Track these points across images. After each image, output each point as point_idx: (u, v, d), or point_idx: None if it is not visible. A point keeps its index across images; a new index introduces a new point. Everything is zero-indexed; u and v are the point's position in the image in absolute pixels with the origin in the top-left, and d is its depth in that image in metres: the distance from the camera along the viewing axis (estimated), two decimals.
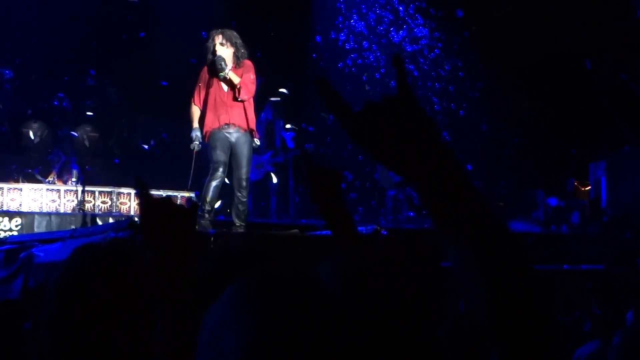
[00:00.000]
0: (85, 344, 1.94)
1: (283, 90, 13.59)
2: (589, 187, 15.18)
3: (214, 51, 8.81)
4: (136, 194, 1.79)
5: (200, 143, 9.00)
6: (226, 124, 8.79)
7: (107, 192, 11.53)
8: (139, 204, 1.76)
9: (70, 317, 1.99)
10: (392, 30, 16.55)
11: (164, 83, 10.26)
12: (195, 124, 9.04)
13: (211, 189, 8.68)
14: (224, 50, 8.81)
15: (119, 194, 11.54)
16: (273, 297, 0.91)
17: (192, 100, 9.08)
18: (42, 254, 8.19)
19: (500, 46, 16.34)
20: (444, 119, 15.17)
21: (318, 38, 16.06)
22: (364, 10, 16.47)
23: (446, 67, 16.46)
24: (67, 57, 14.32)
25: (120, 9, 14.71)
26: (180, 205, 1.78)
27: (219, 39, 8.84)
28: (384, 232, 8.11)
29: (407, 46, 16.59)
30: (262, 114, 12.89)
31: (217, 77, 8.79)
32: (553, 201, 15.22)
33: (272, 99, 13.32)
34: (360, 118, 1.14)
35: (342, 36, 16.31)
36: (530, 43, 16.34)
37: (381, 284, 0.95)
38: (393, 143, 1.13)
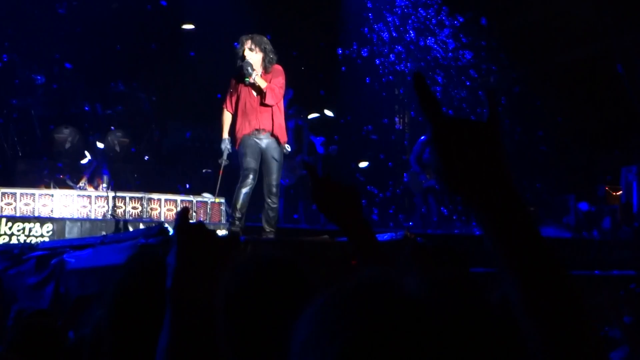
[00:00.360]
0: (147, 347, 1.97)
1: (329, 112, 13.61)
2: (621, 191, 15.07)
3: (243, 56, 8.78)
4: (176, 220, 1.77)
5: (229, 153, 9.02)
6: (256, 130, 8.76)
7: (138, 197, 11.54)
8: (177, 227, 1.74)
9: (130, 320, 2.03)
10: (421, 38, 16.55)
11: (218, 96, 10.27)
12: (225, 135, 9.04)
13: (241, 195, 8.69)
14: (253, 56, 8.77)
15: (149, 199, 11.55)
16: (367, 310, 0.91)
17: (224, 106, 9.06)
18: (73, 260, 8.23)
19: (531, 51, 16.27)
20: None
21: (339, 50, 16.10)
22: (390, 19, 16.48)
23: (471, 72, 16.42)
24: (98, 63, 14.44)
25: (152, 18, 14.82)
26: (217, 235, 1.77)
27: (248, 44, 8.80)
28: (419, 239, 8.04)
29: (439, 51, 16.58)
30: (292, 120, 12.90)
31: (244, 82, 8.79)
32: (584, 206, 15.12)
33: (309, 116, 13.42)
34: (447, 124, 1.20)
35: (367, 49, 16.34)
36: (561, 48, 16.25)
37: (462, 291, 0.96)
38: (466, 162, 1.19)
